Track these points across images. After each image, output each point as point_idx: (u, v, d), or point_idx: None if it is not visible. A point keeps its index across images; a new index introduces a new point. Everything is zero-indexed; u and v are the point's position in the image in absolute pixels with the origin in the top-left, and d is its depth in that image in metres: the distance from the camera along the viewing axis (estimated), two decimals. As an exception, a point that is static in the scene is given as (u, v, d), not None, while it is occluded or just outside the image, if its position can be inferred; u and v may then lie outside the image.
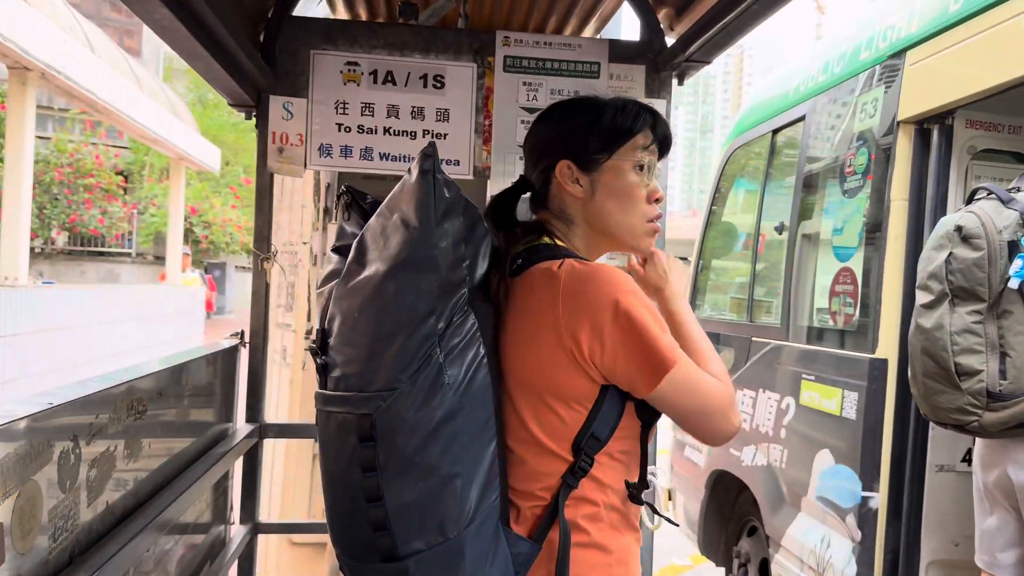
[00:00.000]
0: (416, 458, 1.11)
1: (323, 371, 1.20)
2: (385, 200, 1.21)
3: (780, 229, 3.73)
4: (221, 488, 2.45)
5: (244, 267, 26.09)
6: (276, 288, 3.89)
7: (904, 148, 2.77)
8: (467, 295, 1.17)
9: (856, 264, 3.01)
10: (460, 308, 1.16)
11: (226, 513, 2.51)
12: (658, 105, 2.50)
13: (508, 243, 1.30)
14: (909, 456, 2.63)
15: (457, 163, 2.51)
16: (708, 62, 2.50)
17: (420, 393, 1.11)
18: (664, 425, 1.46)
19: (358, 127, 2.49)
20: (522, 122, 2.52)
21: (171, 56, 26.01)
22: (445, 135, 2.51)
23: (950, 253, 2.16)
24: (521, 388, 1.23)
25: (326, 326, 1.21)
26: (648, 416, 1.26)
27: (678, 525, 2.24)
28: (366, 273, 1.17)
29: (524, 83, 2.53)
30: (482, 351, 1.17)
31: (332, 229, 3.12)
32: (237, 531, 2.51)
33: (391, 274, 1.13)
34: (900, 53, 2.84)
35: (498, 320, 1.24)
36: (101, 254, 17.88)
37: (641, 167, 1.30)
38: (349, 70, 2.49)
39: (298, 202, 3.56)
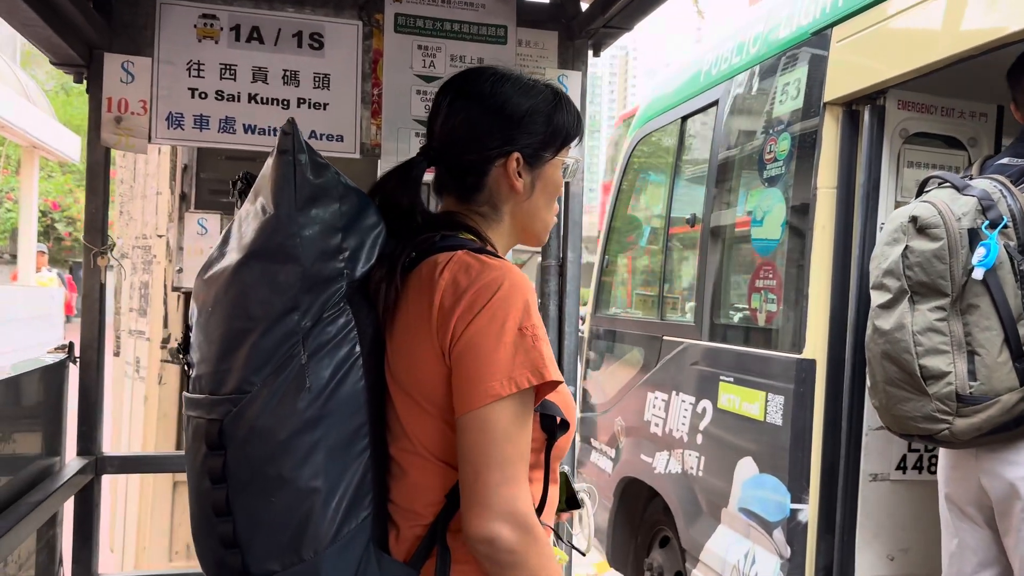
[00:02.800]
0: (268, 469, 1.03)
1: (187, 371, 1.16)
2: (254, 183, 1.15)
3: (692, 221, 3.51)
4: (46, 537, 1.98)
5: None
6: (127, 289, 3.37)
7: (831, 132, 2.56)
8: (344, 289, 1.08)
9: (779, 258, 2.80)
10: (333, 304, 1.07)
11: (55, 568, 2.04)
12: (572, 78, 2.21)
13: (403, 234, 1.17)
14: (842, 465, 2.43)
15: (340, 139, 2.12)
16: (629, 29, 2.21)
17: (275, 397, 1.03)
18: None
19: (216, 93, 2.06)
20: (418, 92, 2.16)
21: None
22: (325, 105, 2.11)
23: (906, 247, 1.93)
24: (401, 390, 1.12)
25: (190, 322, 1.16)
26: (552, 426, 1.12)
27: (585, 555, 1.98)
28: (222, 263, 1.10)
29: (419, 47, 2.17)
30: (357, 351, 1.08)
31: (190, 219, 2.67)
32: (68, 589, 2.05)
33: (244, 264, 1.06)
34: (825, 29, 2.64)
35: (384, 318, 1.13)
36: (-54, 252, 16.31)
37: (565, 168, 1.26)
38: (205, 24, 2.06)
39: (153, 189, 3.06)
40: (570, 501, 1.38)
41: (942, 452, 2.15)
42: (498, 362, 1.04)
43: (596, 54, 2.31)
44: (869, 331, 2.04)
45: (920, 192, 2.09)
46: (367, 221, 1.12)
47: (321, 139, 2.10)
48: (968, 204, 1.87)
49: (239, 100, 2.07)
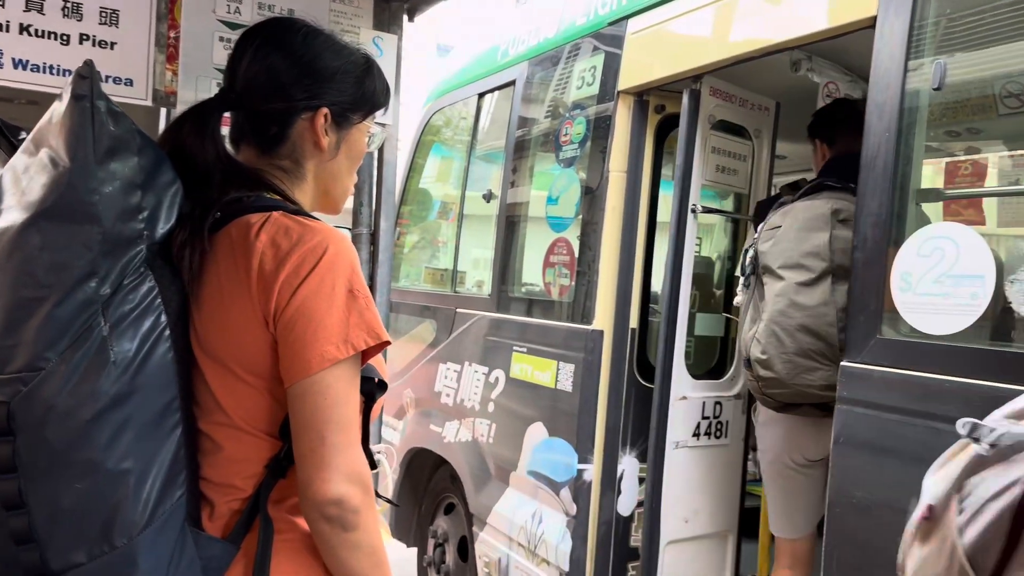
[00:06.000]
0: (71, 454, 0.96)
1: None
2: (32, 132, 1.06)
3: (488, 197, 3.59)
4: None
5: None
6: None
7: (623, 119, 2.74)
8: (144, 253, 1.02)
9: (572, 235, 2.95)
10: (134, 269, 1.01)
11: None
12: (388, 40, 2.17)
13: (197, 190, 1.11)
14: (652, 435, 2.55)
15: (129, 83, 1.93)
16: (445, -2, 2.21)
17: (75, 374, 0.95)
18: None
19: (-21, 19, 1.79)
20: (221, 39, 2.01)
21: None
22: (112, 44, 1.91)
23: (831, 234, 2.21)
24: (213, 361, 1.08)
25: None
26: (371, 388, 1.13)
27: (398, 505, 1.99)
28: (1, 224, 1.01)
29: (224, -9, 2.02)
30: (163, 320, 1.03)
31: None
32: None
33: (31, 224, 0.97)
34: (620, 21, 2.80)
35: (190, 284, 1.08)
36: None
37: (371, 137, 1.28)
38: (-35, -64, 1.78)
39: None
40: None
41: (780, 422, 2.40)
42: (332, 326, 1.04)
43: (411, 19, 2.29)
44: (781, 305, 2.23)
45: (779, 196, 2.47)
46: (164, 177, 1.06)
47: (107, 82, 1.91)
48: None
49: (7, 30, 1.81)
